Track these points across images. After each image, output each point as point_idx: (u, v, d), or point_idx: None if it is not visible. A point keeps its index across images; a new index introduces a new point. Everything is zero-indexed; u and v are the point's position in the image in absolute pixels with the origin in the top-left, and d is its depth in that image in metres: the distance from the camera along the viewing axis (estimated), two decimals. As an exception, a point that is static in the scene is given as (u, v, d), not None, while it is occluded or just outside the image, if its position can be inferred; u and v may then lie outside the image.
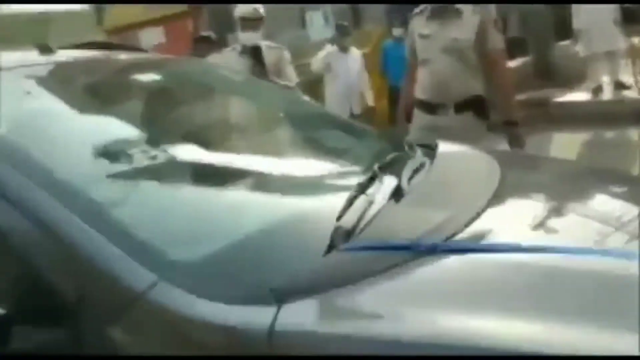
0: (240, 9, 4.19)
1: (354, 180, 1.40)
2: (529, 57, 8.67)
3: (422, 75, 3.24)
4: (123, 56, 2.06)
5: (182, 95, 1.88)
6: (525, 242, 1.10)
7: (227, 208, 1.28)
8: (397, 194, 1.38)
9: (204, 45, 5.40)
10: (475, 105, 3.15)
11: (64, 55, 1.80)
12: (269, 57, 4.19)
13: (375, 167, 1.48)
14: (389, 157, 1.58)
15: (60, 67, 1.71)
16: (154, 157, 1.39)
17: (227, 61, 4.09)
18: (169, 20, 13.52)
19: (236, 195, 1.37)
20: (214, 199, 1.32)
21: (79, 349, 0.98)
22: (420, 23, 3.26)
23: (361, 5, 10.41)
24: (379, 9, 9.87)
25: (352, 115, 6.11)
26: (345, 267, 1.06)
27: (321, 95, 8.98)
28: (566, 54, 8.14)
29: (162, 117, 1.71)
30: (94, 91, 1.74)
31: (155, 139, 1.50)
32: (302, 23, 10.92)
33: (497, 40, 3.16)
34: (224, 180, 1.41)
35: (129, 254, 1.02)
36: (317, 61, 6.65)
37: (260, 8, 4.25)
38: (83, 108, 1.58)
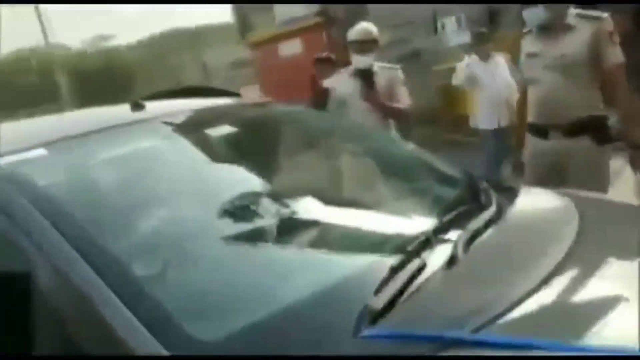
0: (352, 33, 4.10)
1: (413, 240, 1.32)
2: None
3: (531, 96, 3.03)
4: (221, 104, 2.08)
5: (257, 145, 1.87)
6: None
7: (260, 278, 1.26)
8: (450, 261, 1.28)
9: (324, 67, 5.33)
10: (591, 127, 2.85)
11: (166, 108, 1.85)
12: (381, 78, 4.06)
13: (431, 230, 1.38)
14: (449, 216, 1.47)
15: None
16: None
17: (339, 84, 4.04)
18: (305, 31, 13.93)
19: (272, 261, 1.33)
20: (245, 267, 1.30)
21: None
22: (528, 42, 3.04)
23: (498, 8, 9.93)
24: (516, 11, 9.35)
25: (499, 129, 5.59)
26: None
27: (460, 104, 8.71)
28: None
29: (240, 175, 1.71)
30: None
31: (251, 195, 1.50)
32: (435, 29, 10.68)
33: (614, 54, 2.84)
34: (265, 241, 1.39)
35: (148, 327, 1.04)
36: (457, 75, 6.25)
37: (374, 30, 4.13)
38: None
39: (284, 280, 1.25)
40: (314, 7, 13.67)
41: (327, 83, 4.23)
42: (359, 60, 3.98)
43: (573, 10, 2.93)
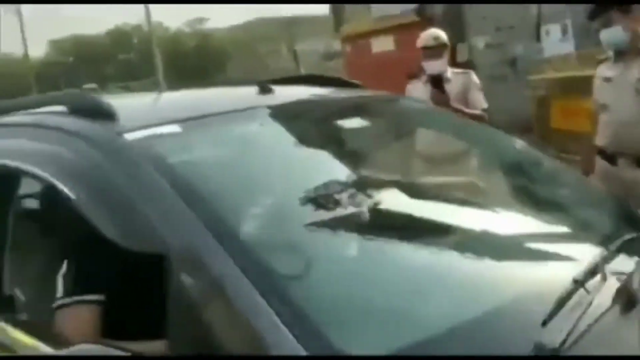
0: (421, 40, 4.17)
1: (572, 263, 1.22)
2: None
3: (602, 121, 2.95)
4: (337, 95, 2.03)
5: (383, 137, 1.82)
6: None
7: (425, 289, 1.16)
8: (624, 298, 1.14)
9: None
10: None
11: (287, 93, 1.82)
12: (454, 83, 4.09)
13: (598, 256, 1.25)
14: (620, 241, 1.33)
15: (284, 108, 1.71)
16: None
17: (415, 91, 4.12)
18: (399, 29, 13.78)
19: (433, 270, 1.23)
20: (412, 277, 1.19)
21: None
22: (604, 67, 2.97)
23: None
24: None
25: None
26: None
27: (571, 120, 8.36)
28: None
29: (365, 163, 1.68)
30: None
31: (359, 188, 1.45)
32: (537, 36, 10.29)
33: None
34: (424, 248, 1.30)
35: (300, 343, 0.96)
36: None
37: (442, 35, 4.14)
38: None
39: (446, 298, 1.14)
40: (411, 6, 13.50)
41: (407, 91, 4.31)
42: (429, 66, 4.07)
43: None
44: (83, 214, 1.24)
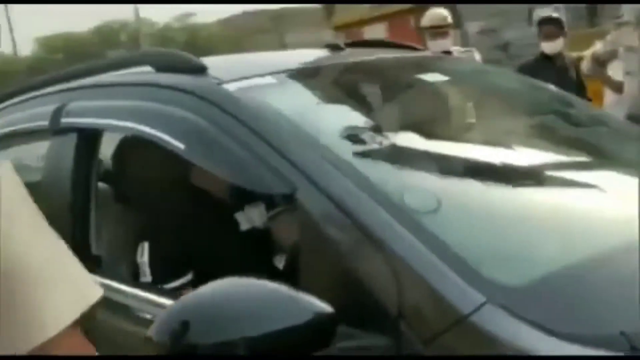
0: (426, 19, 4.23)
1: None
2: None
3: (628, 88, 3.05)
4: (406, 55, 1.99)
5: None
6: None
7: (561, 226, 1.16)
8: None
9: None
10: None
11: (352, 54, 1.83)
12: None
13: None
14: None
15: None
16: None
17: None
18: (392, 17, 13.89)
19: (568, 211, 1.22)
20: (544, 215, 1.19)
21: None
22: (625, 35, 3.06)
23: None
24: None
25: None
26: None
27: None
28: None
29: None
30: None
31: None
32: (530, 20, 10.42)
33: None
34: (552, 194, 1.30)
35: (457, 274, 0.96)
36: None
37: (447, 14, 4.20)
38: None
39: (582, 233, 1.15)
40: (405, -8, 13.60)
41: None
42: (434, 45, 4.09)
43: None
44: (203, 168, 1.32)
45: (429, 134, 1.46)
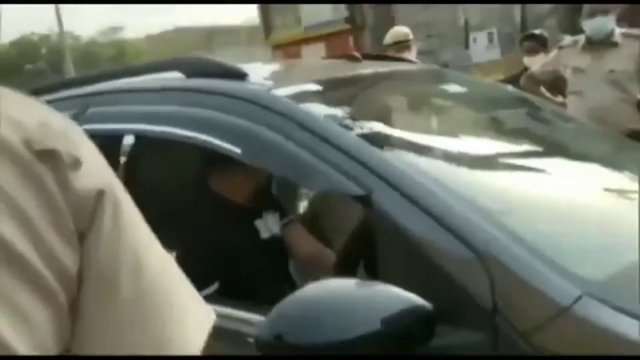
0: (391, 36, 4.39)
1: None
2: None
3: (574, 109, 3.18)
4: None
5: None
6: None
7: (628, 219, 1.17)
8: None
9: None
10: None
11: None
12: None
13: None
14: None
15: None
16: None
17: None
18: (330, 37, 14.09)
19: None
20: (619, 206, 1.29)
21: (495, 353, 0.99)
22: (572, 55, 3.24)
23: (530, 27, 10.16)
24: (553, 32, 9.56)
25: None
26: None
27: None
28: None
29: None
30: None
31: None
32: (466, 43, 10.88)
33: None
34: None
35: (551, 269, 0.99)
36: None
37: (409, 32, 4.43)
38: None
39: None
40: (342, 13, 13.86)
41: None
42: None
43: (618, 30, 3.17)
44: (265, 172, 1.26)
45: (480, 137, 1.50)
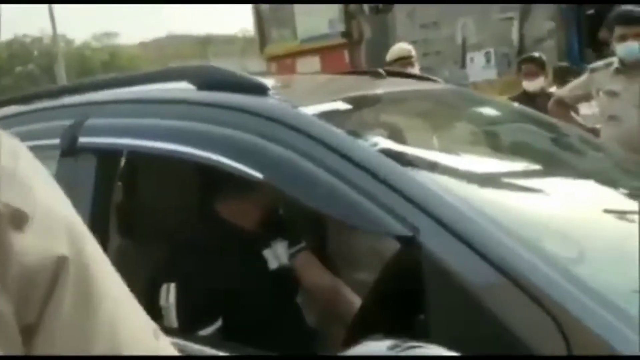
0: (394, 53, 4.27)
1: None
2: None
3: (609, 133, 3.09)
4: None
5: None
6: None
7: None
8: None
9: None
10: None
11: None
12: None
13: None
14: None
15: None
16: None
17: None
18: (326, 50, 14.03)
19: None
20: None
21: None
22: (605, 78, 3.12)
23: (528, 48, 10.15)
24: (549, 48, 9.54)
25: None
26: None
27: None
28: None
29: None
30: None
31: None
32: (463, 62, 10.85)
33: None
34: None
35: (614, 317, 0.88)
36: None
37: (411, 48, 4.36)
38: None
39: None
40: (338, 27, 13.82)
41: None
42: None
43: None
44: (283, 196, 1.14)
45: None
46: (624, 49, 3.04)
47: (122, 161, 1.42)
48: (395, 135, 1.31)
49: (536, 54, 4.89)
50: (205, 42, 31.17)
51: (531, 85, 4.23)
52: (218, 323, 1.44)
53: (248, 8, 16.22)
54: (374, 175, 1.03)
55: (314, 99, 1.29)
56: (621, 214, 1.27)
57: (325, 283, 1.70)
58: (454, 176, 1.15)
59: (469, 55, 10.75)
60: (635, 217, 1.30)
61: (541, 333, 0.89)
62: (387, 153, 1.10)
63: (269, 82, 1.58)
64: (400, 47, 4.50)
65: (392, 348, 0.84)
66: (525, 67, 4.51)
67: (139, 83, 1.47)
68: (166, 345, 0.49)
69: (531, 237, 0.99)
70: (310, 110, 1.21)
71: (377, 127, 1.27)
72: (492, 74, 10.52)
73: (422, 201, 0.99)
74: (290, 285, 1.65)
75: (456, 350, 0.82)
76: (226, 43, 29.56)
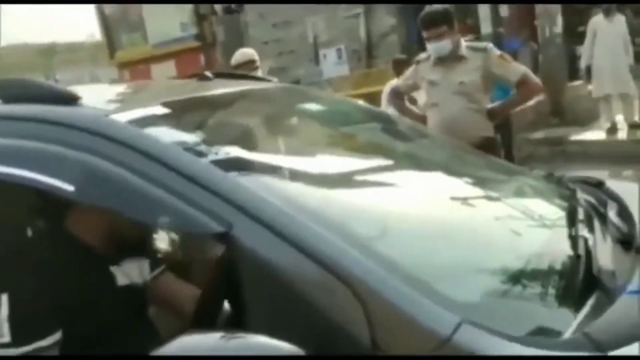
0: (238, 56, 4.46)
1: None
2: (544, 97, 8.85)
3: (433, 119, 3.38)
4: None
5: None
6: None
7: (492, 238, 1.25)
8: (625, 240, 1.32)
9: (400, 68, 5.79)
10: (486, 148, 3.12)
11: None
12: None
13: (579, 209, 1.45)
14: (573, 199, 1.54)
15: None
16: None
17: None
18: (180, 54, 13.73)
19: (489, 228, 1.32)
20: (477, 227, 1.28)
21: None
22: (427, 69, 3.42)
23: (375, 43, 10.65)
24: (394, 44, 10.07)
25: None
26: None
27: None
28: (578, 94, 8.33)
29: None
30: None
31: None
32: (316, 60, 11.14)
33: (514, 69, 3.30)
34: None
35: (426, 297, 0.95)
36: None
37: (254, 53, 4.56)
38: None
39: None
40: (191, 30, 13.57)
41: None
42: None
43: (464, 43, 3.40)
44: (108, 207, 1.10)
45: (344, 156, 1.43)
46: (432, 48, 3.36)
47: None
48: (214, 136, 1.32)
49: (403, 56, 5.35)
50: (50, 51, 29.13)
51: None
52: (56, 336, 1.38)
53: (92, 11, 15.40)
54: (186, 176, 1.04)
55: (130, 105, 1.27)
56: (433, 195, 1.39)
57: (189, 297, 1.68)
58: (269, 173, 1.19)
59: (321, 53, 11.06)
60: (446, 194, 1.44)
61: (342, 304, 0.94)
62: (201, 154, 1.11)
63: (94, 90, 1.53)
64: (243, 52, 4.65)
65: (220, 339, 0.87)
66: (397, 69, 5.17)
67: None
68: None
69: (337, 221, 1.05)
70: (122, 116, 1.19)
71: (195, 130, 1.27)
72: (344, 69, 10.90)
73: (236, 198, 1.01)
74: (142, 303, 1.62)
75: (275, 335, 0.87)
76: (73, 51, 27.84)
